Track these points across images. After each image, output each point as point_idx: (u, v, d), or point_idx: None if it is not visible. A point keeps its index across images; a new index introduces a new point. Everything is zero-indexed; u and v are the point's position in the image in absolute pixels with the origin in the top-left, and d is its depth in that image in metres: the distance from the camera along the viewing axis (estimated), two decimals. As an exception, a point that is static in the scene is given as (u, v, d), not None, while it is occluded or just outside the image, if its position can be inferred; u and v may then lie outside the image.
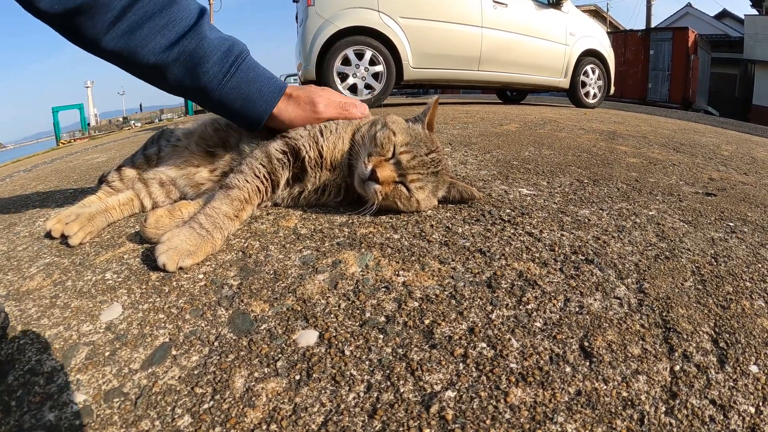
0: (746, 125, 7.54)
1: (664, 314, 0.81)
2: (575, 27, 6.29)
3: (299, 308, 0.82)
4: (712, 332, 0.77)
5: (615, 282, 0.92)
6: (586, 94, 6.51)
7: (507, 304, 0.83)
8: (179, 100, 27.56)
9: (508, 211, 1.28)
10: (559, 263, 0.98)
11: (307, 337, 0.75)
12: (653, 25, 22.25)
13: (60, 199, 1.72)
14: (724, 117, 11.57)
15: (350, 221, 1.20)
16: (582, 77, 6.41)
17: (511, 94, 7.75)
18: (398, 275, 0.93)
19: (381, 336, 0.75)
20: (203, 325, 0.79)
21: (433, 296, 0.85)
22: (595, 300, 0.85)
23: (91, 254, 1.09)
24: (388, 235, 1.12)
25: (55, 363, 0.72)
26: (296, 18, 5.57)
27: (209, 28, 1.09)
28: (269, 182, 1.17)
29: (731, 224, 1.30)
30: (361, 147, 1.19)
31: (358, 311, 0.81)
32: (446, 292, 0.86)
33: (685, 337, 0.76)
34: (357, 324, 0.78)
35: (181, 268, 0.96)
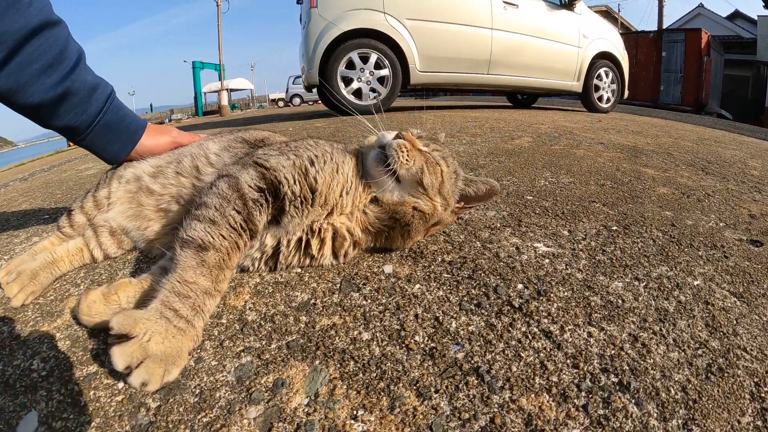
0: (762, 131, 7.32)
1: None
2: (588, 29, 6.07)
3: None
4: None
5: (656, 428, 0.67)
6: (600, 98, 6.30)
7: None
8: (189, 100, 27.72)
9: (519, 287, 1.02)
10: (583, 394, 0.73)
11: None
12: (665, 26, 21.89)
13: (34, 224, 1.68)
14: (736, 119, 11.32)
15: (313, 301, 0.96)
16: (595, 81, 6.19)
17: (522, 97, 7.54)
18: (356, 419, 0.68)
19: None
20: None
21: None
22: (628, 470, 0.60)
23: (29, 323, 0.96)
24: (356, 332, 0.87)
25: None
26: (300, 20, 5.37)
27: (87, 70, 1.11)
28: (247, 233, 0.90)
29: (789, 293, 1.07)
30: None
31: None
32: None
33: None
34: None
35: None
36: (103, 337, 0.86)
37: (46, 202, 2.20)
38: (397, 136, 1.05)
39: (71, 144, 17.39)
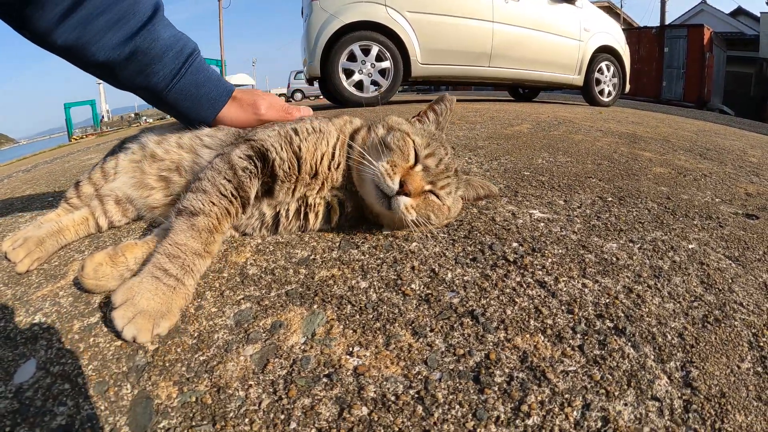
0: (764, 126, 7.33)
1: (717, 426, 0.60)
2: (589, 22, 6.06)
3: (209, 401, 0.63)
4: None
5: (654, 368, 0.68)
6: (601, 92, 6.30)
7: (498, 418, 0.59)
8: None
9: (514, 245, 1.03)
10: (578, 336, 0.74)
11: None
12: (667, 22, 21.85)
13: (38, 207, 1.68)
14: (739, 116, 11.29)
15: (313, 257, 0.98)
16: (596, 74, 6.19)
17: (524, 91, 7.54)
18: (351, 354, 0.70)
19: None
20: (103, 408, 0.63)
21: (392, 398, 0.62)
22: (626, 405, 0.62)
23: (33, 286, 0.97)
24: (354, 281, 0.89)
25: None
26: (302, 13, 5.40)
27: (163, 25, 1.04)
28: (238, 200, 0.94)
29: (783, 259, 1.08)
30: (366, 154, 1.00)
31: (282, 417, 0.60)
32: (412, 391, 0.63)
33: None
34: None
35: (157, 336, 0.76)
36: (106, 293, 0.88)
37: (49, 187, 2.21)
38: (401, 186, 0.96)
39: (75, 138, 17.39)
